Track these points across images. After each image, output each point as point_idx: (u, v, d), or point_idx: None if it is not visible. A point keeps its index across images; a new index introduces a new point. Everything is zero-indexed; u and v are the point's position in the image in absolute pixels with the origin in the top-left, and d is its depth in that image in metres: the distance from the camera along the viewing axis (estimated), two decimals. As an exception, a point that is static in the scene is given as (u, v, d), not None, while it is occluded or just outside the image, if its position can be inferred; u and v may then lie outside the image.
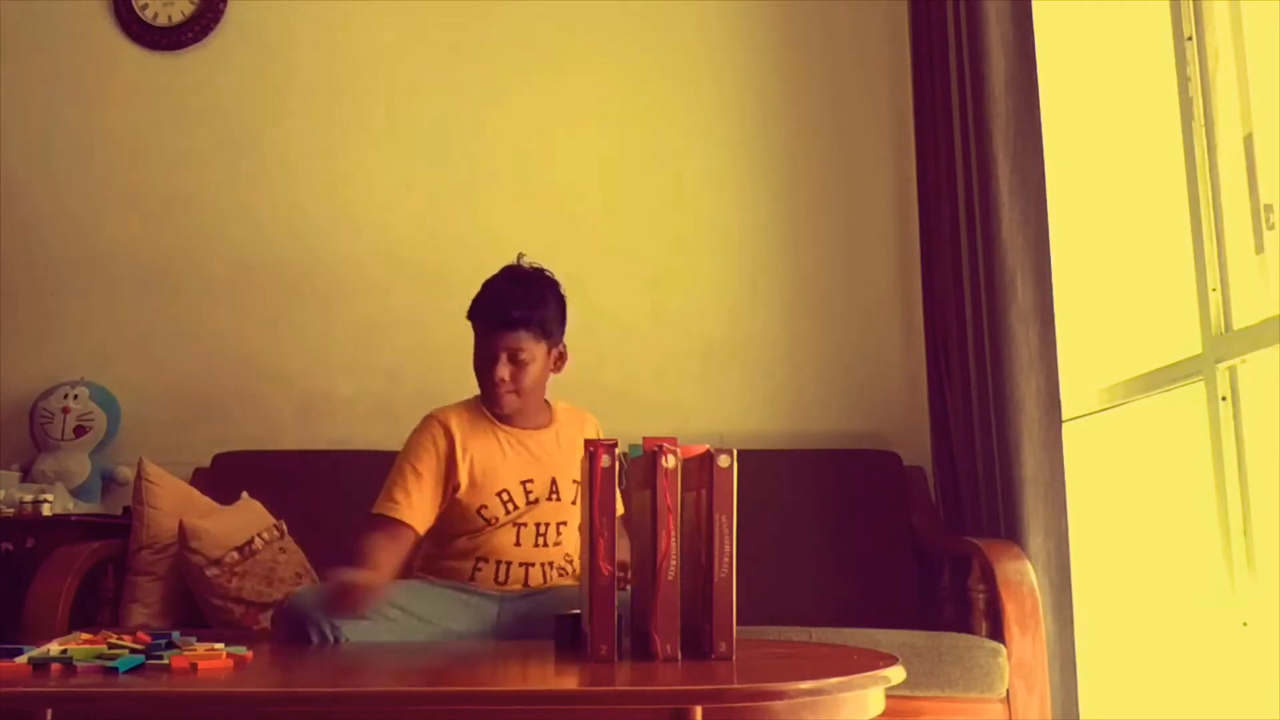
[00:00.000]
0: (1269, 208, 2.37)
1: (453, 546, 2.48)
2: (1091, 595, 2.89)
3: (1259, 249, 2.40)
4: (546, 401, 2.62)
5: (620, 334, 3.58)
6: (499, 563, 2.45)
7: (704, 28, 3.71)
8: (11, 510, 3.08)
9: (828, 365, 3.54)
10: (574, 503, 2.49)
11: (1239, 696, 2.27)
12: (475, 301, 2.51)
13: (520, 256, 2.57)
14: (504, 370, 2.45)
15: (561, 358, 2.57)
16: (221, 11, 3.71)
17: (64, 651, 1.67)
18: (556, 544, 2.50)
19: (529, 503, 2.46)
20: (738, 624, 1.72)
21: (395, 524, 2.38)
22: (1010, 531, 2.86)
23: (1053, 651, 2.73)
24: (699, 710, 1.38)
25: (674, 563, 1.71)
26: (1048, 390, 2.90)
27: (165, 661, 1.65)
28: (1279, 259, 2.34)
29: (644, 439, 1.85)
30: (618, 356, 3.56)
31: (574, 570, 2.51)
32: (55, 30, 3.73)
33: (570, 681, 1.66)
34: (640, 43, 3.71)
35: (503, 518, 2.44)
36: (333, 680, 1.73)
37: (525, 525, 2.46)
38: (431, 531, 2.48)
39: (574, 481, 2.49)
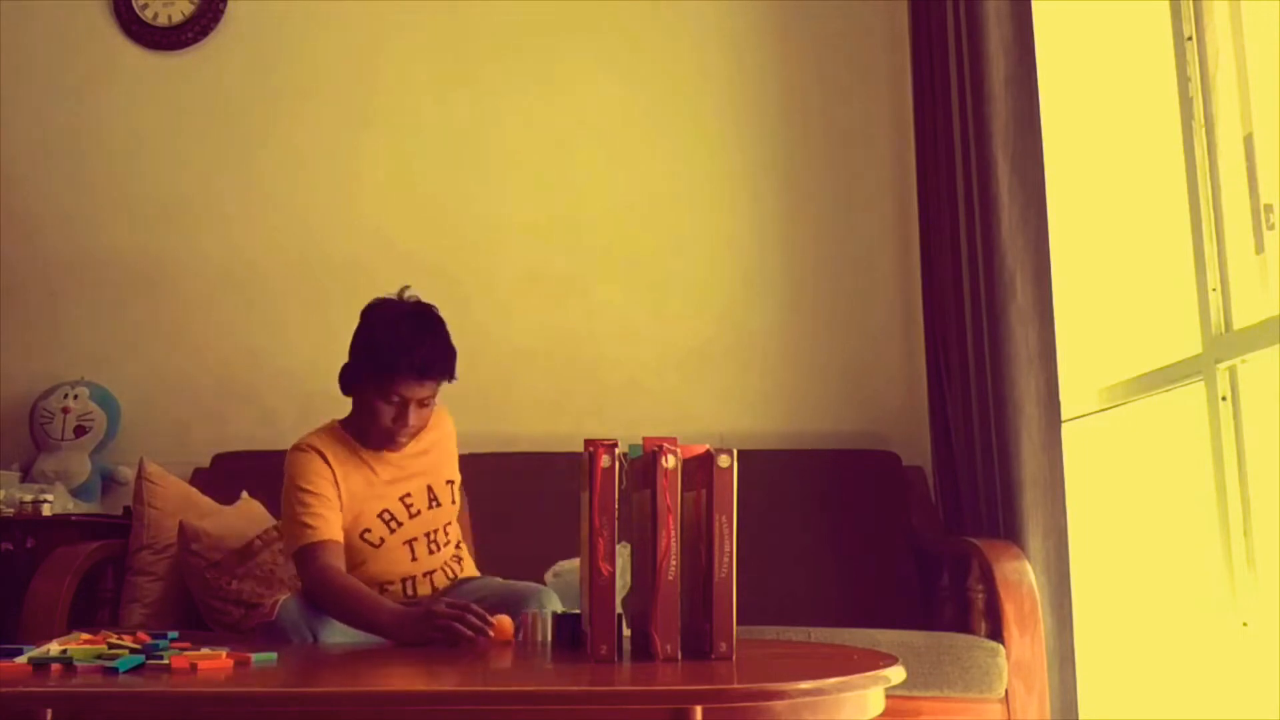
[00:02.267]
0: (1269, 208, 2.37)
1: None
2: (1091, 595, 2.89)
3: (1259, 249, 2.40)
4: None
5: (620, 334, 3.58)
6: (403, 580, 2.46)
7: (704, 28, 3.71)
8: (11, 510, 3.08)
9: (827, 365, 3.54)
10: (453, 502, 2.53)
11: (1239, 696, 2.27)
12: (390, 346, 2.33)
13: (404, 290, 2.46)
14: (415, 418, 2.37)
15: None
16: (221, 11, 3.71)
17: (64, 651, 1.67)
18: (446, 543, 2.52)
19: (411, 516, 2.45)
20: (738, 624, 1.72)
21: (329, 544, 2.30)
22: (1009, 532, 2.86)
23: (1052, 651, 2.73)
24: (699, 710, 1.38)
25: (674, 563, 1.71)
26: (1047, 390, 2.90)
27: (165, 661, 1.65)
28: (1279, 259, 2.34)
29: (644, 439, 1.85)
30: (618, 356, 3.56)
31: (463, 558, 2.58)
32: (55, 30, 3.73)
33: (570, 681, 1.66)
34: (641, 43, 3.72)
35: (388, 537, 2.42)
36: (333, 680, 1.73)
37: (416, 539, 2.46)
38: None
39: (447, 482, 2.52)
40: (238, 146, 3.68)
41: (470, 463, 3.34)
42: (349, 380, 2.43)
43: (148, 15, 3.71)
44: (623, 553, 1.95)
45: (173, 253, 3.62)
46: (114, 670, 1.58)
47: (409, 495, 2.46)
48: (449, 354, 2.42)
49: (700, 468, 1.75)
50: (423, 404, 2.39)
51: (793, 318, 3.58)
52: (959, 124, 3.14)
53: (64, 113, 3.69)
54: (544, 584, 2.88)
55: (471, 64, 3.71)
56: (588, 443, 1.79)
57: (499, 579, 2.51)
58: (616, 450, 1.77)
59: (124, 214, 3.65)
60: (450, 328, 3.64)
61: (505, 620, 2.12)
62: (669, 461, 1.73)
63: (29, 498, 3.10)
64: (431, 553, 2.49)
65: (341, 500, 2.38)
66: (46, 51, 3.71)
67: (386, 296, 2.46)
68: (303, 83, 3.71)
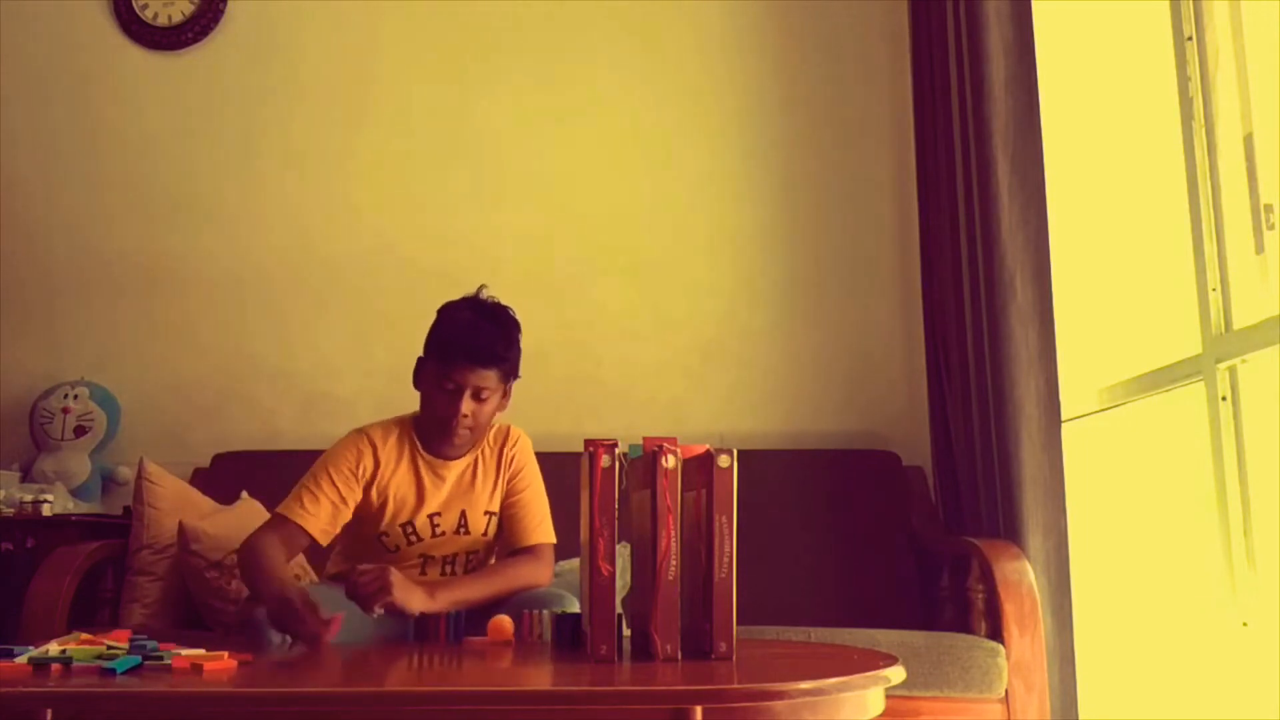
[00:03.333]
0: (1269, 208, 2.38)
1: (366, 551, 2.45)
2: (1091, 595, 2.89)
3: (1259, 249, 2.40)
4: None
5: (620, 334, 3.58)
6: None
7: (704, 28, 3.71)
8: (11, 510, 3.08)
9: (827, 365, 3.54)
10: (484, 534, 2.48)
11: (1239, 696, 2.27)
12: (448, 333, 2.39)
13: (482, 289, 2.47)
14: (469, 406, 2.36)
15: (508, 394, 2.48)
16: (221, 11, 3.71)
17: (63, 652, 1.67)
18: (466, 569, 2.48)
19: (434, 535, 2.44)
20: (738, 624, 1.72)
21: (295, 528, 2.33)
22: (1009, 532, 2.86)
23: (1052, 651, 2.73)
24: (699, 710, 1.38)
25: (674, 563, 1.71)
26: (1047, 390, 2.90)
27: (166, 662, 1.65)
28: (1279, 259, 2.34)
29: (644, 439, 1.84)
30: (618, 356, 3.56)
31: None
32: (55, 30, 3.73)
33: (570, 681, 1.66)
34: (641, 43, 3.72)
35: (404, 548, 2.43)
36: (333, 680, 1.73)
37: (431, 560, 2.46)
38: (341, 552, 2.48)
39: (485, 513, 2.47)
40: (238, 146, 3.68)
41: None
42: (418, 374, 2.46)
43: (148, 15, 3.71)
44: (623, 553, 1.95)
45: (173, 253, 3.62)
46: (112, 671, 1.58)
47: (439, 515, 2.44)
48: (510, 346, 2.41)
49: (700, 468, 1.75)
50: (479, 396, 2.38)
51: (793, 318, 3.58)
52: (959, 124, 3.14)
53: (64, 113, 3.69)
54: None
55: (472, 64, 3.71)
56: (588, 443, 1.79)
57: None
58: (616, 450, 1.77)
59: (124, 214, 3.65)
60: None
61: (505, 620, 2.12)
62: (669, 461, 1.73)
63: (29, 498, 3.10)
64: (444, 573, 2.46)
65: (374, 495, 2.40)
66: (46, 51, 3.71)
67: (464, 296, 2.47)
68: (303, 83, 3.71)
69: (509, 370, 2.42)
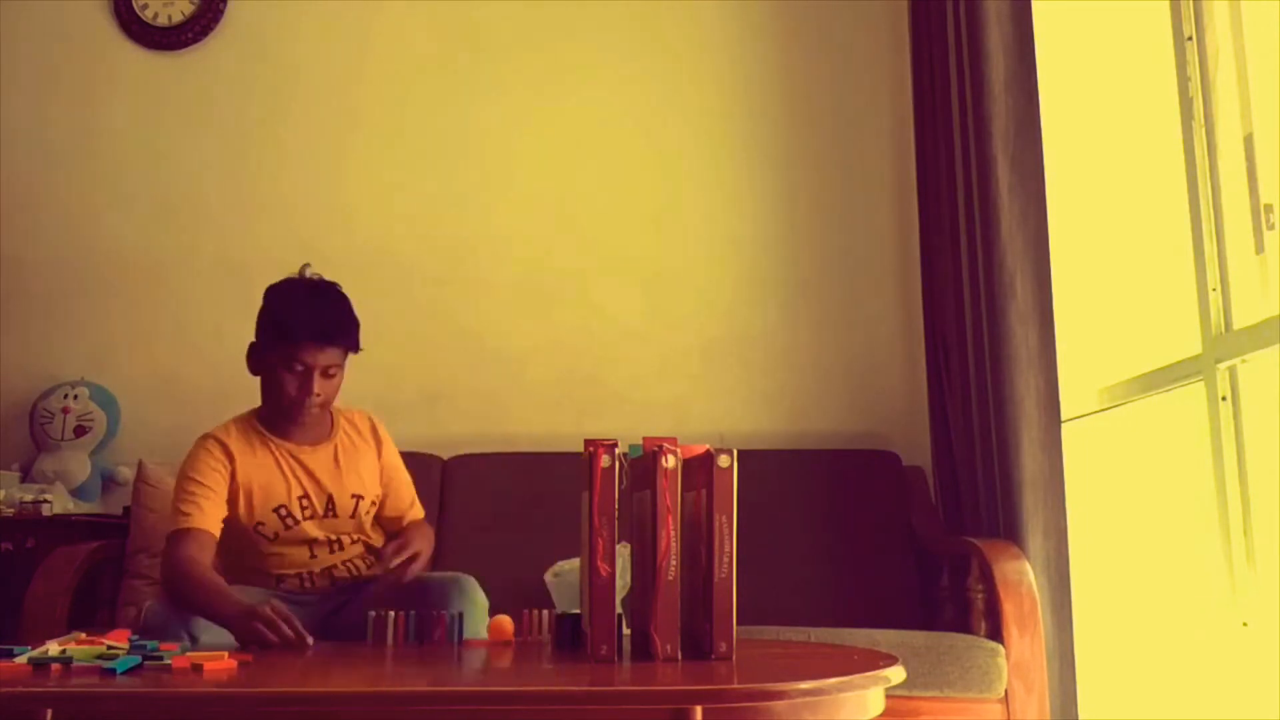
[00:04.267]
0: (1269, 208, 2.37)
1: (245, 566, 2.47)
2: (1091, 595, 2.89)
3: (1259, 249, 2.40)
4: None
5: (620, 334, 3.58)
6: (299, 574, 2.49)
7: (704, 28, 3.71)
8: (11, 510, 3.08)
9: (828, 365, 3.54)
10: (352, 516, 2.51)
11: (1239, 696, 2.27)
12: (288, 315, 2.42)
13: (305, 267, 2.54)
14: (319, 385, 2.41)
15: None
16: (221, 11, 3.71)
17: (63, 652, 1.67)
18: (354, 543, 2.53)
19: (306, 518, 2.47)
20: (738, 624, 1.72)
21: (196, 534, 2.32)
22: (1009, 532, 2.86)
23: (1051, 651, 2.73)
24: (699, 710, 1.38)
25: (674, 563, 1.71)
26: (1047, 390, 2.90)
27: (166, 662, 1.65)
28: (1279, 259, 2.34)
29: (644, 439, 1.84)
30: (618, 356, 3.56)
31: (369, 563, 2.55)
32: (55, 30, 3.73)
33: (570, 681, 1.66)
34: (640, 43, 3.72)
35: (282, 533, 2.45)
36: (333, 680, 1.73)
37: (317, 541, 2.48)
38: (222, 553, 2.45)
39: (352, 497, 2.51)
40: (237, 146, 3.68)
41: (470, 463, 3.36)
42: (255, 359, 2.47)
43: (148, 15, 3.71)
44: (623, 553, 1.96)
45: (173, 252, 3.62)
46: (112, 671, 1.58)
47: (306, 497, 2.47)
48: (349, 321, 2.47)
49: (700, 468, 1.75)
50: (327, 374, 2.42)
51: (793, 318, 3.58)
52: (959, 124, 3.14)
53: (64, 113, 3.69)
54: (545, 583, 2.89)
55: (471, 66, 3.71)
56: (588, 443, 1.79)
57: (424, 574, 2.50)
58: (616, 450, 1.77)
59: (124, 214, 3.65)
60: (450, 327, 3.67)
61: (505, 620, 2.12)
62: (669, 461, 1.73)
63: (29, 498, 3.10)
64: (333, 552, 2.51)
65: (239, 489, 2.42)
66: (46, 51, 3.71)
67: (288, 277, 2.53)
68: (302, 83, 3.71)
69: (353, 345, 2.47)
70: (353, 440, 2.56)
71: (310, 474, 2.48)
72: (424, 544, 2.50)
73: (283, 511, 2.45)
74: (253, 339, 2.48)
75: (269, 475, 2.45)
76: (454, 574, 2.46)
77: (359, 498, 2.51)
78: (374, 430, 2.61)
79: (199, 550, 2.31)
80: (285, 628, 2.02)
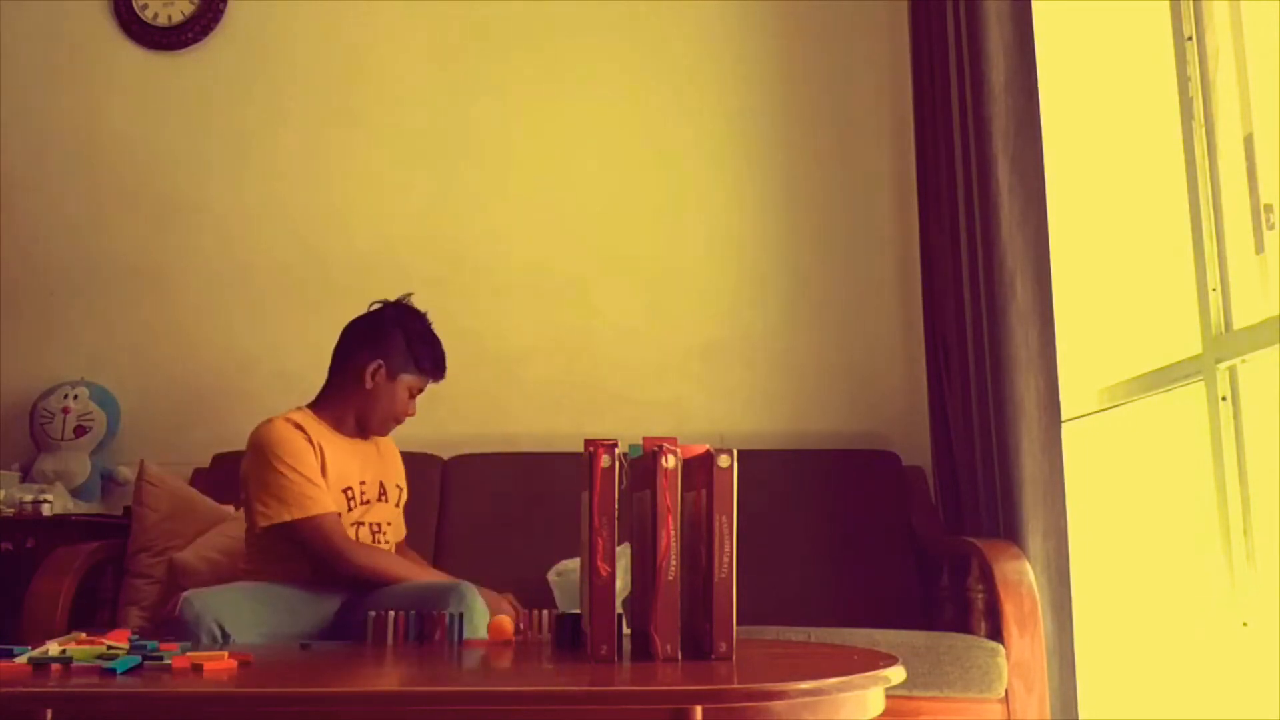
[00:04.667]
0: (1269, 208, 2.37)
1: (288, 553, 2.51)
2: (1091, 595, 2.89)
3: (1259, 249, 2.40)
4: None
5: (620, 334, 3.58)
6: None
7: (704, 27, 3.71)
8: (11, 510, 3.08)
9: (828, 365, 3.54)
10: (397, 505, 2.74)
11: (1239, 696, 2.27)
12: (428, 348, 2.70)
13: (408, 296, 2.77)
14: (413, 408, 2.72)
15: None
16: (221, 11, 3.71)
17: (63, 652, 1.67)
18: (386, 543, 2.67)
19: (363, 501, 2.62)
20: (738, 624, 1.72)
21: (332, 518, 2.50)
22: (1009, 532, 2.86)
23: (1051, 651, 2.73)
24: (699, 710, 1.38)
25: (674, 563, 1.71)
26: (1047, 390, 2.90)
27: (166, 662, 1.65)
28: (1279, 259, 2.34)
29: (644, 439, 1.84)
30: (618, 356, 3.56)
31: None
32: (55, 30, 3.73)
33: (570, 681, 1.65)
34: (640, 43, 3.72)
35: (344, 514, 2.56)
36: (333, 680, 1.73)
37: (362, 525, 2.61)
38: (270, 535, 2.50)
39: (396, 486, 2.74)
40: (238, 147, 3.68)
41: (470, 463, 3.36)
42: (383, 372, 2.65)
43: (148, 15, 3.71)
44: (624, 553, 1.95)
45: (173, 253, 3.63)
46: (112, 671, 1.58)
47: (364, 483, 2.64)
48: None
49: (700, 468, 1.75)
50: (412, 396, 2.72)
51: (793, 318, 3.58)
52: (959, 124, 3.14)
53: (64, 113, 3.69)
54: (548, 583, 2.89)
55: (472, 65, 3.71)
56: (588, 443, 1.79)
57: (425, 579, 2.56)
58: (616, 450, 1.77)
59: (124, 214, 3.65)
60: (450, 327, 3.65)
61: (505, 621, 2.12)
62: (669, 461, 1.73)
63: (29, 498, 3.11)
64: (377, 543, 2.64)
65: (326, 475, 2.54)
66: (46, 51, 3.72)
67: (402, 301, 2.75)
68: (303, 83, 3.71)
69: None
70: (378, 442, 2.76)
71: (366, 461, 2.67)
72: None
73: (350, 493, 2.59)
74: (372, 351, 2.65)
75: (344, 459, 2.60)
76: (453, 580, 2.47)
77: (400, 488, 2.75)
78: (387, 445, 2.82)
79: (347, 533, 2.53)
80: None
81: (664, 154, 3.67)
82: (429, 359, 2.70)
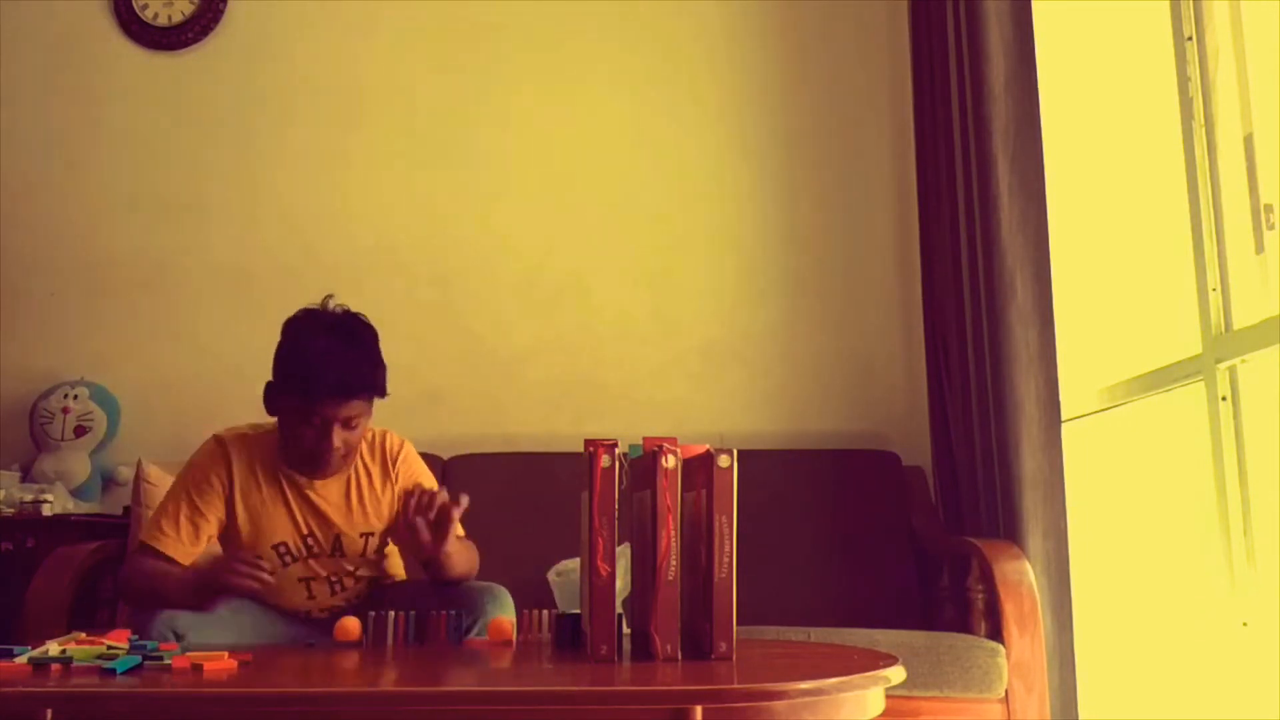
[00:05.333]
0: (1269, 208, 2.37)
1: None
2: (1091, 595, 2.89)
3: (1259, 249, 2.40)
4: None
5: (620, 334, 3.58)
6: (296, 612, 2.37)
7: (704, 28, 3.71)
8: (11, 510, 3.08)
9: (828, 365, 3.54)
10: (362, 554, 2.36)
11: (1239, 696, 2.27)
12: (305, 366, 2.18)
13: (328, 299, 2.31)
14: (338, 439, 2.21)
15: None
16: (221, 11, 3.71)
17: (63, 652, 1.67)
18: (359, 582, 2.39)
19: (311, 555, 2.32)
20: (738, 624, 1.72)
21: (160, 556, 2.24)
22: (1009, 532, 2.86)
23: (1051, 651, 2.73)
24: (699, 710, 1.38)
25: (674, 563, 1.71)
26: (1047, 390, 2.90)
27: (166, 662, 1.65)
28: (1279, 259, 2.34)
29: (644, 439, 1.84)
30: (618, 356, 3.56)
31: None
32: (55, 30, 3.73)
33: (570, 681, 1.66)
34: (640, 43, 3.72)
35: (280, 570, 2.29)
36: (333, 680, 1.73)
37: (315, 579, 2.34)
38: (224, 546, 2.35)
39: (362, 535, 2.34)
40: (238, 146, 3.68)
41: (470, 463, 3.35)
42: (270, 401, 2.28)
43: (148, 15, 3.71)
44: (624, 553, 1.95)
45: (173, 253, 3.62)
46: (112, 671, 1.58)
47: (312, 536, 2.32)
48: (374, 368, 2.24)
49: (700, 468, 1.75)
50: (349, 425, 2.22)
51: (793, 318, 3.58)
52: (959, 124, 3.14)
53: (64, 113, 3.69)
54: (548, 583, 2.89)
55: (471, 65, 3.71)
56: (588, 443, 1.79)
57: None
58: (616, 450, 1.77)
59: (124, 213, 3.65)
60: (450, 328, 3.66)
61: (505, 620, 2.12)
62: (669, 461, 1.73)
63: (29, 498, 3.10)
64: (335, 593, 2.38)
65: (237, 517, 2.28)
66: (46, 51, 3.71)
67: (309, 307, 2.30)
68: (303, 83, 3.71)
69: (377, 392, 2.26)
70: (369, 470, 2.37)
71: (319, 513, 2.32)
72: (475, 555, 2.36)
73: (282, 549, 2.31)
74: (269, 377, 2.27)
75: (272, 511, 2.30)
76: (488, 583, 2.33)
77: (369, 535, 2.35)
78: (386, 455, 2.39)
79: (162, 564, 2.25)
80: (253, 569, 2.01)
81: (664, 154, 3.67)
82: (299, 377, 2.18)
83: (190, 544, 2.27)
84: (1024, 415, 2.88)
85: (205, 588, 2.11)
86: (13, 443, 3.46)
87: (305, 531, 2.32)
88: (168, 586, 2.18)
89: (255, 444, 2.34)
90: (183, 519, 2.27)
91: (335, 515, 2.33)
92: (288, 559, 2.32)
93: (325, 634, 2.15)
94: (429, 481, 2.40)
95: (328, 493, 2.33)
